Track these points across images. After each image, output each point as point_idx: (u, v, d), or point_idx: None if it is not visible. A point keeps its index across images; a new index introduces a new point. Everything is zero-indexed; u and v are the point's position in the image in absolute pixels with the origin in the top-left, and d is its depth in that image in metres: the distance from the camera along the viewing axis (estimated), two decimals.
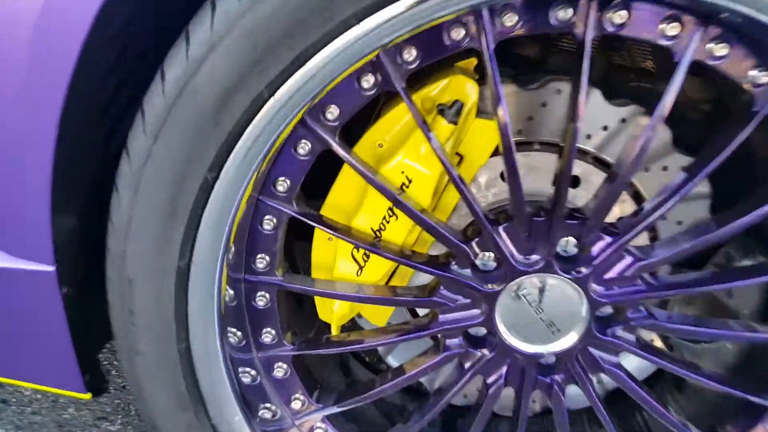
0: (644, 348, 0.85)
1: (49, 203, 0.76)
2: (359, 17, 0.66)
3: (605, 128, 0.88)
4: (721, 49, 0.70)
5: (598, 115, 0.87)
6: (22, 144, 0.74)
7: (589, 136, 0.88)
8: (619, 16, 0.69)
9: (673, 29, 0.69)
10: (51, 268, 0.80)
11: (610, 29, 0.70)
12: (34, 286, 0.82)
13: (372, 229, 0.84)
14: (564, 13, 0.69)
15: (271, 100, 0.70)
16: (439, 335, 0.87)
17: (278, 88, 0.69)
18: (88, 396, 1.01)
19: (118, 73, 0.82)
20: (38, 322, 0.86)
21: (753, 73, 0.71)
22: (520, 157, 0.87)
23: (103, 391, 1.02)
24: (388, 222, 0.84)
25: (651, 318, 0.81)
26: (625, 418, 1.03)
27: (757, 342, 0.87)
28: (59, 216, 0.79)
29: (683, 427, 0.88)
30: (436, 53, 0.73)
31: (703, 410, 0.97)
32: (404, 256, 0.83)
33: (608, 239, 0.77)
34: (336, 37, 0.67)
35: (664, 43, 0.70)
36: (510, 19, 0.70)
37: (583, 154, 0.89)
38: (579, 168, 0.88)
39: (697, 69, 0.72)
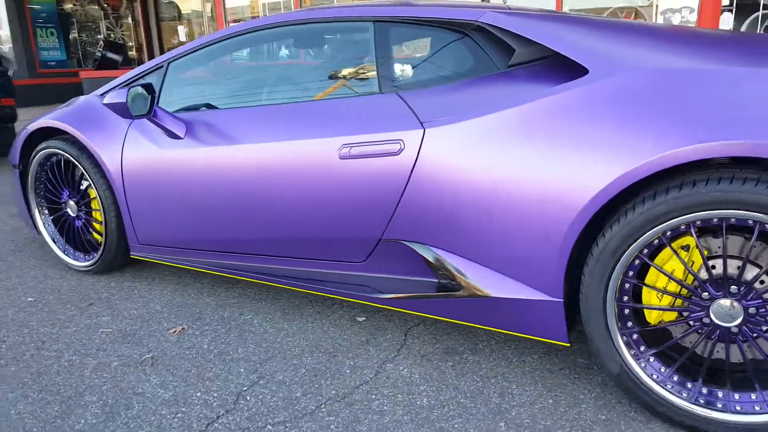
0: None
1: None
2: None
3: None
4: None
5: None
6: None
7: None
8: None
9: None
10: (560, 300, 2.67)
11: None
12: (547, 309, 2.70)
13: (659, 286, 2.51)
14: None
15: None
16: (691, 322, 2.47)
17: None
18: (566, 343, 2.82)
19: None
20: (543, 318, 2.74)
21: None
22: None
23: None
24: (667, 284, 2.49)
25: None
26: None
27: None
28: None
29: None
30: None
31: None
32: (676, 295, 2.47)
33: (753, 294, 2.30)
34: None
35: None
36: None
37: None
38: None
39: None
